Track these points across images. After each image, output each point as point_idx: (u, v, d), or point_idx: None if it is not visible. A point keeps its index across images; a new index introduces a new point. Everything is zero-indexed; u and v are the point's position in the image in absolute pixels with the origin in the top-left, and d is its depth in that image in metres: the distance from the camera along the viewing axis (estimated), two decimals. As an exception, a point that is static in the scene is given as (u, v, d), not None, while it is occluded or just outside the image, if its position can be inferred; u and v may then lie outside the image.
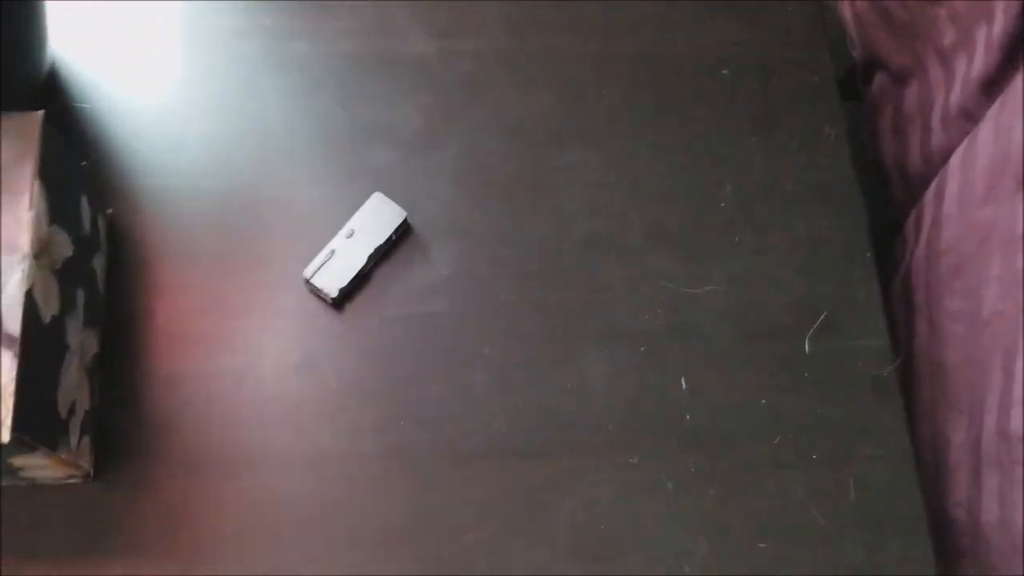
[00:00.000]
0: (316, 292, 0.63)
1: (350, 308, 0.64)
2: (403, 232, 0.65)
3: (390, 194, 0.66)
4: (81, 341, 0.55)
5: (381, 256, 0.65)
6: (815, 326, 0.65)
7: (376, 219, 0.65)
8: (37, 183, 0.50)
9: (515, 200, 0.67)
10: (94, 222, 0.59)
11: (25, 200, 0.49)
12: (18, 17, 0.58)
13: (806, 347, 0.64)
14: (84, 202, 0.57)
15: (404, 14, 0.73)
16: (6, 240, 0.48)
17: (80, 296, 0.56)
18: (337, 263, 0.63)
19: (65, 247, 0.53)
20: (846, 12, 0.90)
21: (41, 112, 0.51)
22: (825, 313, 0.65)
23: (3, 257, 0.48)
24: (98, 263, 0.60)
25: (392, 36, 0.72)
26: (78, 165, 0.57)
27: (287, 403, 0.60)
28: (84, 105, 0.67)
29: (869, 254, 0.67)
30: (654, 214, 0.68)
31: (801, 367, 0.64)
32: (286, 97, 0.69)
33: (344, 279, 0.63)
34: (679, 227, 0.67)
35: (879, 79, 0.88)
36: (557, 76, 0.72)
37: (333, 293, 0.62)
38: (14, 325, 0.46)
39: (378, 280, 0.64)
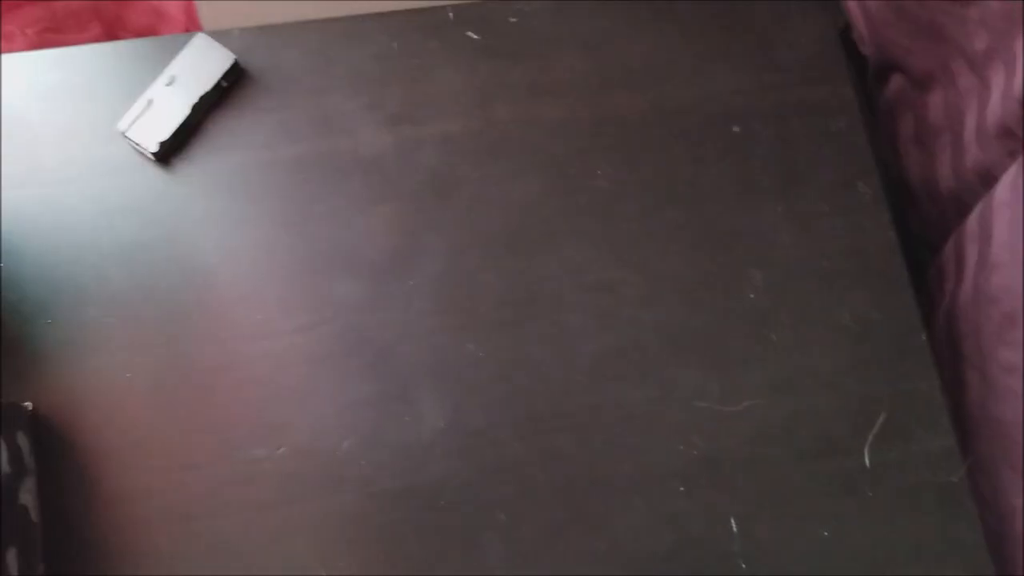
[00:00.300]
0: (135, 146, 0.57)
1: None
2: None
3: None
4: (19, 609, 0.46)
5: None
6: (874, 433, 0.56)
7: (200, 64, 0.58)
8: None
9: (509, 322, 0.57)
10: (13, 451, 0.48)
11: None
12: None
13: (866, 460, 0.56)
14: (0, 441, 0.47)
15: (349, 101, 0.61)
16: None
17: (11, 559, 0.45)
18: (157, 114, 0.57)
19: (-24, 520, 0.43)
20: (854, 9, 0.78)
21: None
22: (883, 416, 0.57)
23: None
24: (27, 493, 0.49)
25: (339, 131, 0.60)
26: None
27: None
28: (-20, 269, 0.56)
29: (924, 337, 0.59)
30: (673, 317, 0.58)
31: (863, 484, 0.55)
32: (222, 227, 0.58)
33: (167, 131, 0.56)
34: (704, 330, 0.58)
35: (896, 81, 0.77)
36: (539, 154, 0.61)
37: (153, 147, 0.56)
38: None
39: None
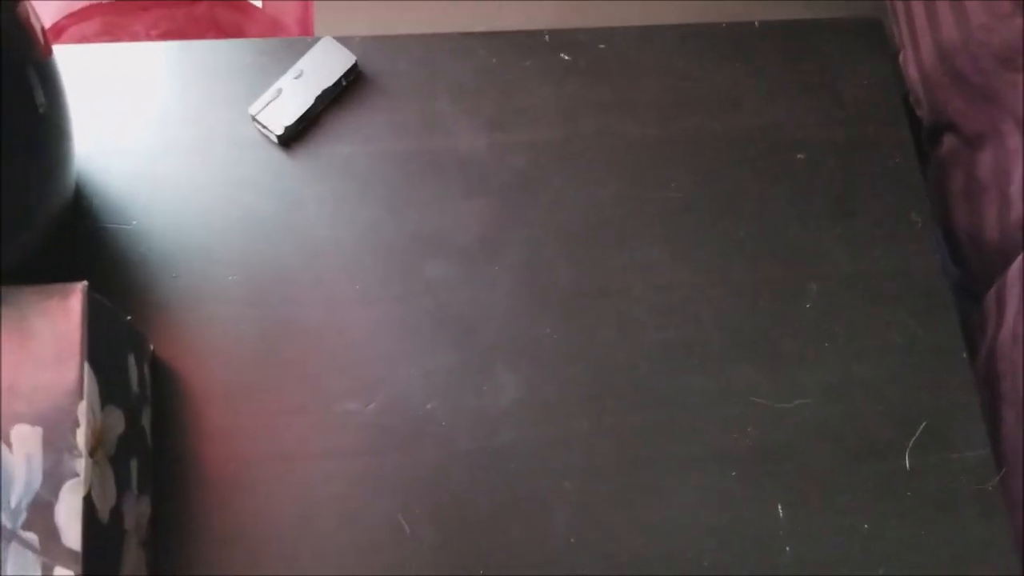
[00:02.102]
0: (261, 129, 0.63)
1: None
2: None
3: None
4: (136, 517, 0.51)
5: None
6: (915, 439, 0.60)
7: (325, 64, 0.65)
8: (87, 368, 0.45)
9: (582, 310, 0.63)
10: (141, 377, 0.54)
11: (73, 388, 0.44)
12: (46, 136, 0.53)
13: (907, 463, 0.60)
14: (131, 361, 0.53)
15: (451, 107, 0.67)
16: (54, 438, 0.43)
17: (133, 467, 0.51)
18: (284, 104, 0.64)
19: (118, 424, 0.49)
20: (911, 70, 0.85)
21: (83, 285, 0.46)
22: (924, 424, 0.61)
23: (49, 456, 0.43)
24: (146, 418, 0.55)
25: (440, 132, 0.67)
26: (123, 323, 0.52)
27: (361, 557, 0.56)
28: (114, 226, 0.62)
29: (964, 355, 0.63)
30: (733, 318, 0.63)
31: (903, 485, 0.59)
32: (332, 206, 0.64)
33: (291, 117, 0.63)
34: (762, 333, 0.63)
35: (948, 141, 0.83)
36: (617, 164, 0.67)
37: (278, 130, 0.62)
38: (74, 538, 0.42)
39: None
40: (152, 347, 0.59)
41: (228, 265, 0.62)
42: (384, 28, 0.97)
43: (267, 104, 0.63)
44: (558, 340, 0.62)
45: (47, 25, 0.81)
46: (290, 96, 0.64)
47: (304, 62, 0.65)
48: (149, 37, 0.91)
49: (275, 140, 0.64)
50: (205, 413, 0.58)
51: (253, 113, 0.63)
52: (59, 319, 0.45)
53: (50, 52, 0.55)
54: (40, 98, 0.52)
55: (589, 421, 0.60)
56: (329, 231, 0.63)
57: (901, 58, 0.90)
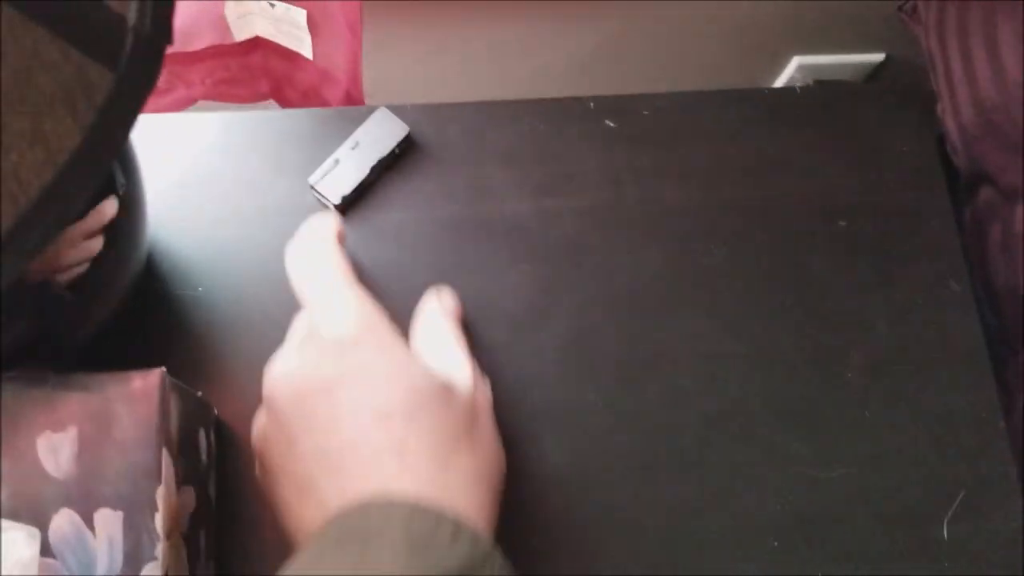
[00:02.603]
0: (320, 198, 0.66)
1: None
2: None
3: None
4: (206, 585, 0.54)
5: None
6: (953, 509, 0.62)
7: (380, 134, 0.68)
8: (164, 452, 0.47)
9: (629, 378, 0.65)
10: (208, 447, 0.57)
11: (152, 472, 0.47)
12: (127, 216, 0.56)
13: (945, 533, 0.61)
14: (202, 435, 0.55)
15: (499, 173, 0.69)
16: (133, 522, 0.46)
17: (202, 537, 0.54)
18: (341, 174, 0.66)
19: (191, 503, 0.51)
20: (949, 121, 0.85)
21: (162, 371, 0.49)
22: (962, 494, 0.62)
23: (129, 539, 0.46)
24: (212, 486, 0.58)
25: (488, 198, 0.69)
26: (196, 401, 0.55)
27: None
28: (180, 292, 0.65)
29: (1002, 425, 0.64)
30: (778, 389, 0.65)
31: (941, 555, 0.61)
32: (385, 271, 0.66)
33: (349, 187, 0.66)
34: (806, 402, 0.64)
35: (986, 193, 0.83)
36: (662, 231, 0.69)
37: (336, 200, 0.65)
38: (154, 622, 0.45)
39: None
40: (216, 412, 0.62)
41: (288, 330, 0.64)
42: (429, 82, 0.99)
43: (325, 174, 0.66)
44: (603, 409, 0.64)
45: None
46: (347, 166, 0.66)
47: (360, 133, 0.67)
48: (204, 85, 0.94)
49: (333, 208, 0.66)
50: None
51: (312, 183, 0.66)
52: (139, 405, 0.48)
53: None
54: (120, 179, 0.55)
55: (633, 489, 0.62)
56: (381, 294, 0.66)
57: (939, 109, 0.90)
